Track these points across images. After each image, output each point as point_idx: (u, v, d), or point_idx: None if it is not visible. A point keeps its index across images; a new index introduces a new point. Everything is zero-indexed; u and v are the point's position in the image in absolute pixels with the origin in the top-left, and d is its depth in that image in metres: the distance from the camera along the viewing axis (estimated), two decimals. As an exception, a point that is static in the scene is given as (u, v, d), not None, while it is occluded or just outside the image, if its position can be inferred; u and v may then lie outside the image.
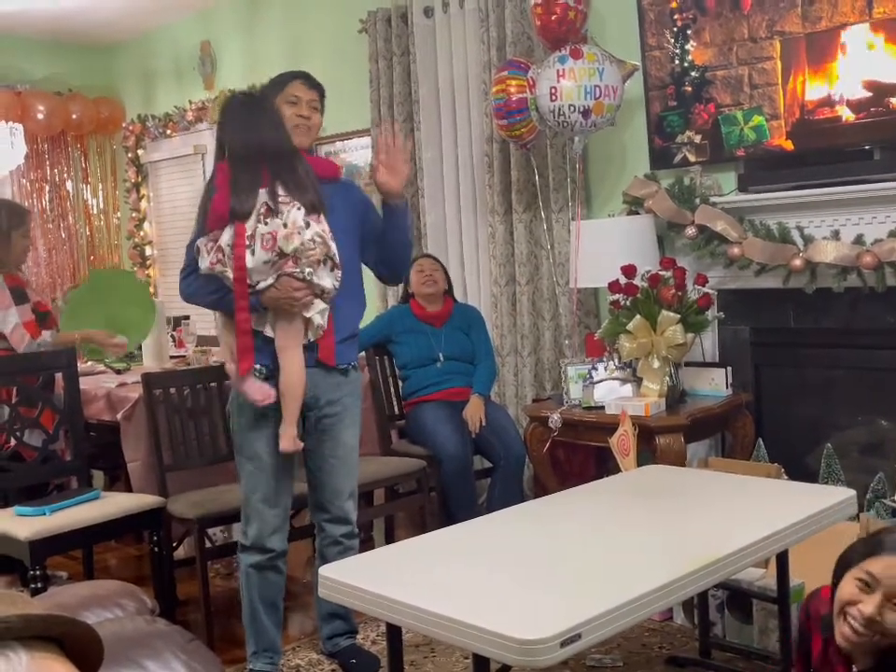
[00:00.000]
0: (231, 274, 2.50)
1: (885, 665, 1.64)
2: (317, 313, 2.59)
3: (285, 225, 2.47)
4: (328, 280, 2.56)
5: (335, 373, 2.72)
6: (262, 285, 2.50)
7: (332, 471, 2.77)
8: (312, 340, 2.63)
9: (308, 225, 2.50)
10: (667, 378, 3.31)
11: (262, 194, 2.49)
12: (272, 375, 2.61)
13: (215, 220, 2.52)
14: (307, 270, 2.50)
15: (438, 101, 4.48)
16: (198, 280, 2.62)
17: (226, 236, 2.50)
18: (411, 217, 2.77)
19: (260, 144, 2.53)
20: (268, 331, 2.60)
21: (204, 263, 2.54)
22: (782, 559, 2.39)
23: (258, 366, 2.61)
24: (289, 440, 2.60)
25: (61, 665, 0.84)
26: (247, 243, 2.47)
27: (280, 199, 2.49)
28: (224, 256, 2.50)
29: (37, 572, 2.83)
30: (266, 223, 2.47)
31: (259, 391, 2.58)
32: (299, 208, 2.50)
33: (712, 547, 1.91)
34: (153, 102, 6.38)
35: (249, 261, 2.47)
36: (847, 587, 1.69)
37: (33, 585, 2.80)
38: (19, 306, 3.47)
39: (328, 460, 2.75)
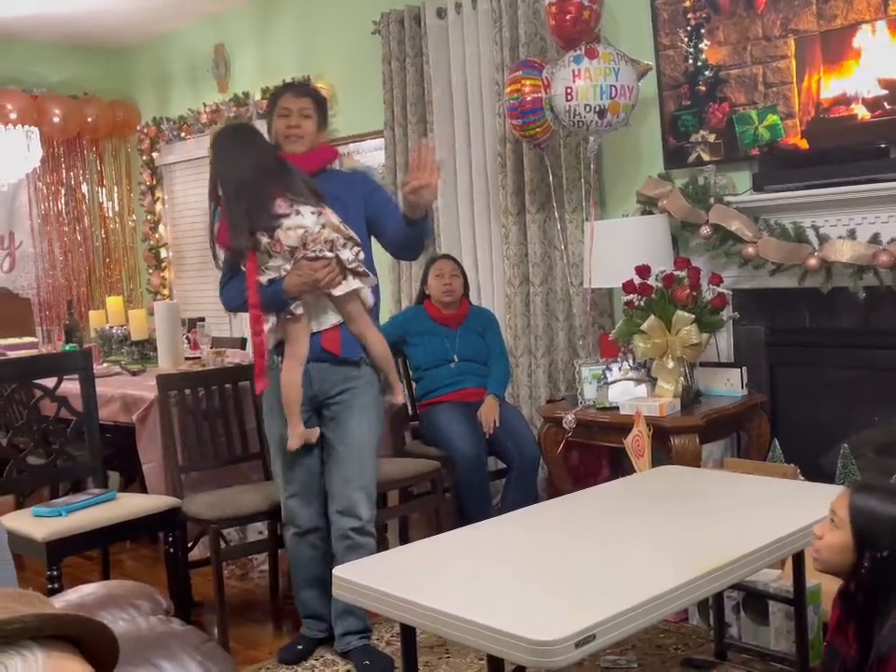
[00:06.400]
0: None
1: (860, 584, 1.75)
2: (357, 287, 2.73)
3: (288, 228, 2.65)
4: (345, 252, 2.69)
5: (346, 366, 2.80)
6: (283, 272, 2.67)
7: (339, 459, 2.81)
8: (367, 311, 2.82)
9: (314, 214, 2.67)
10: (682, 378, 3.30)
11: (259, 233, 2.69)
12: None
13: (224, 247, 2.78)
14: (318, 247, 2.64)
15: (451, 102, 4.48)
16: (232, 289, 2.82)
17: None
18: (431, 220, 2.95)
19: (250, 183, 2.67)
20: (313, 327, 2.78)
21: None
22: (798, 560, 2.37)
23: (279, 358, 2.80)
24: (400, 392, 2.94)
25: (76, 664, 0.84)
26: (260, 264, 2.69)
27: (277, 222, 2.67)
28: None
29: (54, 572, 2.84)
30: (269, 235, 2.67)
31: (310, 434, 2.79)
32: (297, 213, 2.66)
33: (727, 548, 1.90)
34: (167, 105, 6.41)
35: (272, 263, 2.68)
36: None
37: (50, 585, 2.81)
38: None
39: (336, 448, 2.81)
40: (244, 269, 2.71)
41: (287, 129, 2.83)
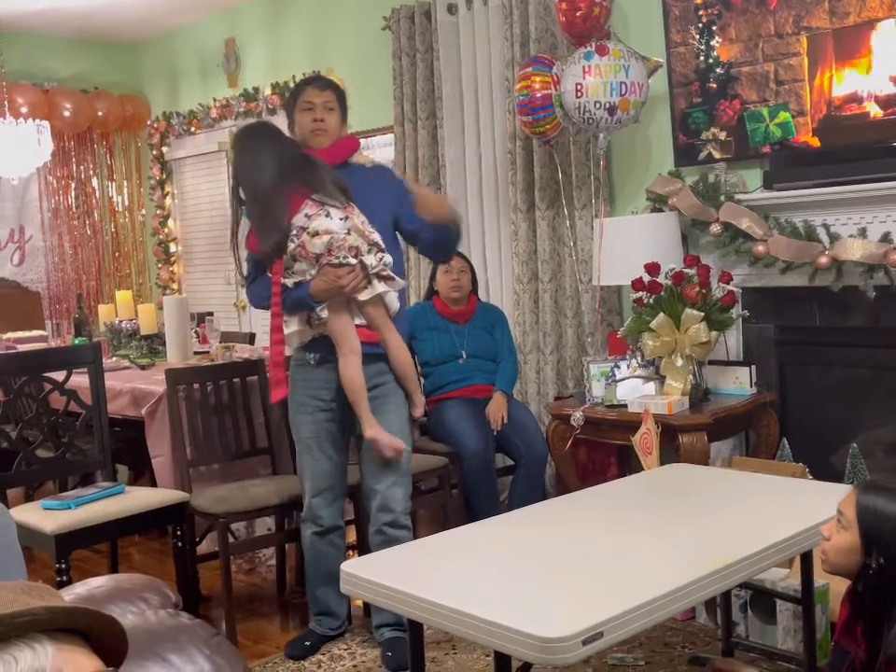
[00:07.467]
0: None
1: (867, 585, 1.73)
2: (383, 291, 2.74)
3: (314, 233, 2.63)
4: (370, 258, 2.68)
5: (380, 361, 2.81)
6: (308, 277, 2.68)
7: (374, 455, 2.81)
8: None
9: (342, 220, 2.66)
10: (691, 376, 3.29)
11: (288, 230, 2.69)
12: (325, 361, 2.79)
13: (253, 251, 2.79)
14: (342, 254, 2.63)
15: (461, 98, 4.48)
16: (258, 287, 2.81)
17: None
18: (460, 230, 2.93)
19: (276, 187, 2.66)
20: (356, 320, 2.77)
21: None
22: (806, 559, 2.36)
23: (311, 354, 2.81)
24: (421, 407, 2.92)
25: (86, 657, 0.85)
26: (286, 268, 2.69)
27: (303, 224, 2.65)
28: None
29: (63, 565, 2.85)
30: (295, 240, 2.66)
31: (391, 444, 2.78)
32: (327, 215, 2.64)
33: (735, 546, 1.90)
34: (178, 99, 6.42)
35: (298, 267, 2.69)
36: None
37: (58, 578, 2.82)
38: None
39: (370, 443, 2.81)
40: (269, 274, 2.71)
41: (313, 122, 2.83)
